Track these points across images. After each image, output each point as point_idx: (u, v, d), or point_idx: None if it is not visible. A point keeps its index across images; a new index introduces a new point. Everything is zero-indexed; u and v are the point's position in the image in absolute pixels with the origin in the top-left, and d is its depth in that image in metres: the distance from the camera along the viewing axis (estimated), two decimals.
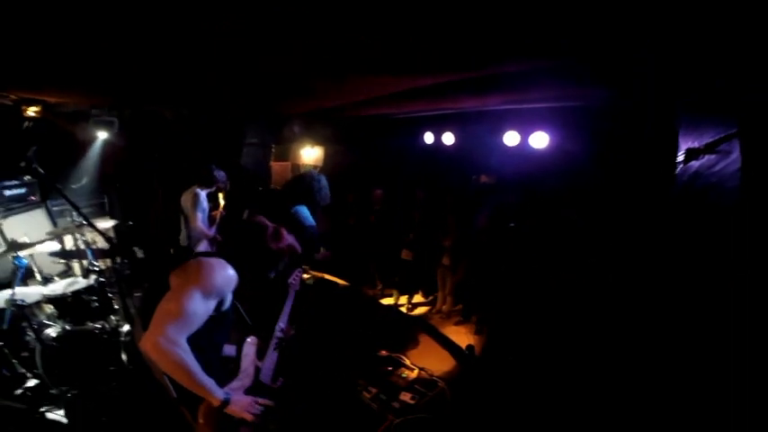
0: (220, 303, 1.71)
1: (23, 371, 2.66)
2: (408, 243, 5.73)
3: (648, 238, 2.87)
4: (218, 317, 1.70)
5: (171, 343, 1.48)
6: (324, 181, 3.12)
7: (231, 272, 1.71)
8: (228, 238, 1.88)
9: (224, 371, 1.87)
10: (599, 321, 3.50)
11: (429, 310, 5.93)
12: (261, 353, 2.01)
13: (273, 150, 8.47)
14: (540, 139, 4.38)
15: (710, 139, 1.81)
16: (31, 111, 3.50)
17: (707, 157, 1.85)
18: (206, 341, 1.67)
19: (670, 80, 2.12)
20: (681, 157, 2.01)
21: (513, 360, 3.88)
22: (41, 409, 2.65)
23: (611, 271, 3.55)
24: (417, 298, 6.24)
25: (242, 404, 1.70)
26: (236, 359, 1.94)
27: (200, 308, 1.59)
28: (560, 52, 2.20)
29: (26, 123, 3.64)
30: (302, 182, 3.09)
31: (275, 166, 8.73)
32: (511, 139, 4.66)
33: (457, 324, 5.56)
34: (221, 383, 1.70)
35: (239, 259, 1.78)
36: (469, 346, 3.99)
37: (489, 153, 5.37)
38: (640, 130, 2.84)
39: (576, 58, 2.39)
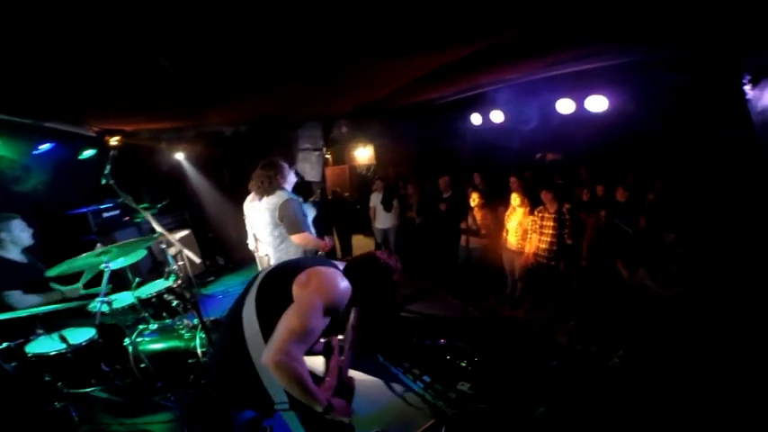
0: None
1: (119, 366, 3.01)
2: (468, 229, 5.51)
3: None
4: (330, 324, 1.72)
5: (293, 360, 1.51)
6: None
7: (347, 284, 1.72)
8: (353, 274, 1.82)
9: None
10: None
11: (497, 298, 5.65)
12: (341, 350, 2.05)
13: (329, 156, 8.81)
14: (597, 103, 3.94)
15: None
16: (114, 140, 4.08)
17: None
18: (310, 347, 1.72)
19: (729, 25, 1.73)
20: (747, 80, 1.62)
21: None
22: (133, 401, 3.02)
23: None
24: (484, 285, 5.98)
25: (341, 410, 1.74)
26: (326, 357, 1.99)
27: (320, 324, 1.61)
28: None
29: (112, 152, 4.22)
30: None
31: (334, 169, 9.07)
32: (564, 107, 4.26)
33: (528, 312, 5.23)
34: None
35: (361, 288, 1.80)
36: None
37: (546, 127, 4.97)
38: (706, 82, 2.38)
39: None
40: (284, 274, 1.73)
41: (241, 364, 1.67)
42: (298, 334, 1.53)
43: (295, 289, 1.65)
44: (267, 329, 1.62)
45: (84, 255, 2.85)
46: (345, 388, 1.97)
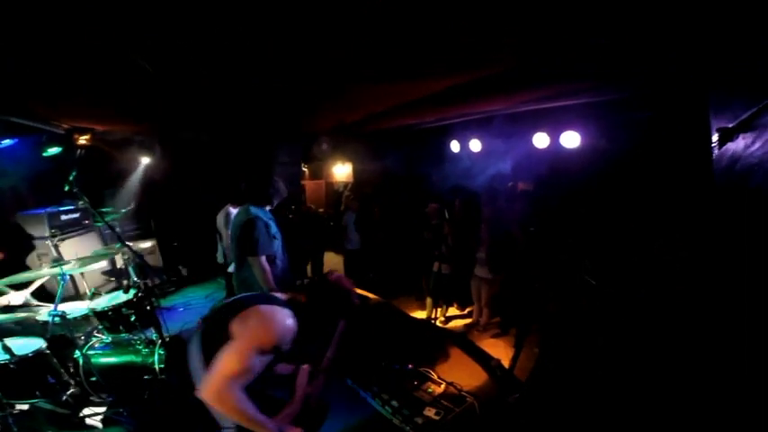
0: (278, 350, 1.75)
1: (68, 379, 2.86)
2: (440, 255, 5.59)
3: (695, 231, 2.58)
4: (273, 359, 1.76)
5: (229, 397, 1.57)
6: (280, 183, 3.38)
7: (291, 322, 1.75)
8: (312, 298, 1.90)
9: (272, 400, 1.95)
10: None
11: (465, 324, 5.72)
12: (311, 378, 2.06)
13: (306, 169, 8.76)
14: (570, 139, 4.16)
15: (744, 117, 1.60)
16: (83, 139, 3.89)
17: (743, 137, 1.64)
18: (260, 379, 1.72)
19: (695, 61, 1.92)
20: (715, 140, 1.79)
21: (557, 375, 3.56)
22: (82, 415, 2.88)
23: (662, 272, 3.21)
24: (452, 311, 6.05)
25: None
26: (291, 385, 2.00)
27: (257, 363, 1.65)
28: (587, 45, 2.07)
29: (78, 151, 4.03)
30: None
31: (310, 184, 9.03)
32: (540, 141, 4.47)
33: (495, 337, 5.31)
34: (271, 408, 1.77)
35: (316, 312, 1.87)
36: (496, 360, 3.75)
37: (521, 158, 5.19)
38: (672, 118, 2.61)
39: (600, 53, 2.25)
40: (228, 309, 1.79)
41: (187, 390, 1.72)
42: (232, 374, 1.58)
43: (233, 327, 1.69)
44: (208, 360, 1.68)
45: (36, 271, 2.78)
46: (312, 414, 1.97)
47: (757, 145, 1.56)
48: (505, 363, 3.92)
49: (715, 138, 1.79)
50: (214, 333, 1.73)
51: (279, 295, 1.92)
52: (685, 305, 2.75)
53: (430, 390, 3.34)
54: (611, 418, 2.72)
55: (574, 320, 3.79)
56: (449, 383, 3.43)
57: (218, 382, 1.57)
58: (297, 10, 1.69)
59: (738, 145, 1.67)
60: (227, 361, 1.60)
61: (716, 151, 1.80)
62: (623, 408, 2.74)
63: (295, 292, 1.95)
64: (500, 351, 4.87)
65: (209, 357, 1.68)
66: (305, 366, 2.02)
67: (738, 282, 1.94)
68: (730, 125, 1.69)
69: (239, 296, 1.91)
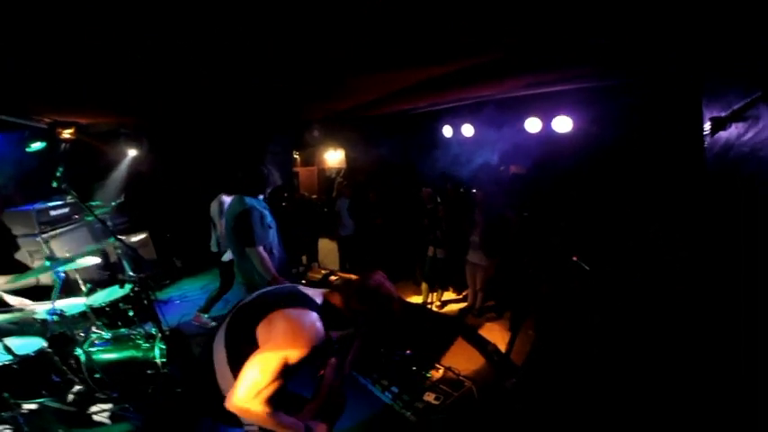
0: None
1: (72, 377, 2.88)
2: (435, 240, 5.63)
3: (687, 218, 2.63)
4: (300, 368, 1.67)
5: (258, 410, 1.50)
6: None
7: (319, 326, 1.64)
8: (348, 305, 1.75)
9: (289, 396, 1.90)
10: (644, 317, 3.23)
11: (461, 308, 5.81)
12: (337, 371, 2.02)
13: (298, 156, 8.66)
14: (563, 124, 4.17)
15: (737, 107, 1.62)
16: (66, 133, 3.78)
17: (735, 126, 1.66)
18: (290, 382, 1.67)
19: (691, 51, 1.93)
20: (707, 128, 1.82)
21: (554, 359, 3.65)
22: (89, 412, 2.88)
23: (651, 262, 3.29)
24: (448, 295, 6.13)
25: None
26: (318, 379, 1.97)
27: (287, 375, 1.56)
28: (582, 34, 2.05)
29: (63, 145, 3.93)
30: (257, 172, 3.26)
31: (302, 171, 8.94)
32: (532, 125, 4.47)
33: (490, 321, 5.41)
34: (288, 403, 1.72)
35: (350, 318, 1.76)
36: (493, 345, 3.84)
37: (513, 142, 5.19)
38: (665, 105, 2.62)
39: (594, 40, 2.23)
40: (254, 310, 1.70)
41: (210, 389, 1.70)
42: (259, 390, 1.50)
43: (260, 332, 1.61)
44: (234, 362, 1.63)
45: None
46: (334, 407, 1.95)
47: (750, 134, 1.58)
48: (501, 346, 4.03)
49: (707, 126, 1.82)
50: (240, 334, 1.66)
51: (308, 291, 1.80)
52: (680, 287, 2.82)
53: (429, 375, 3.43)
54: (608, 402, 2.81)
55: (567, 302, 3.87)
56: (447, 368, 3.52)
57: (246, 397, 1.48)
58: (294, 6, 1.65)
59: (731, 134, 1.70)
60: (255, 375, 1.50)
61: (708, 139, 1.84)
62: (619, 390, 2.83)
63: (328, 290, 1.82)
64: (495, 335, 4.97)
65: (234, 360, 1.62)
66: (332, 360, 1.97)
67: (730, 265, 2.00)
68: (723, 114, 1.71)
69: (265, 291, 1.80)
